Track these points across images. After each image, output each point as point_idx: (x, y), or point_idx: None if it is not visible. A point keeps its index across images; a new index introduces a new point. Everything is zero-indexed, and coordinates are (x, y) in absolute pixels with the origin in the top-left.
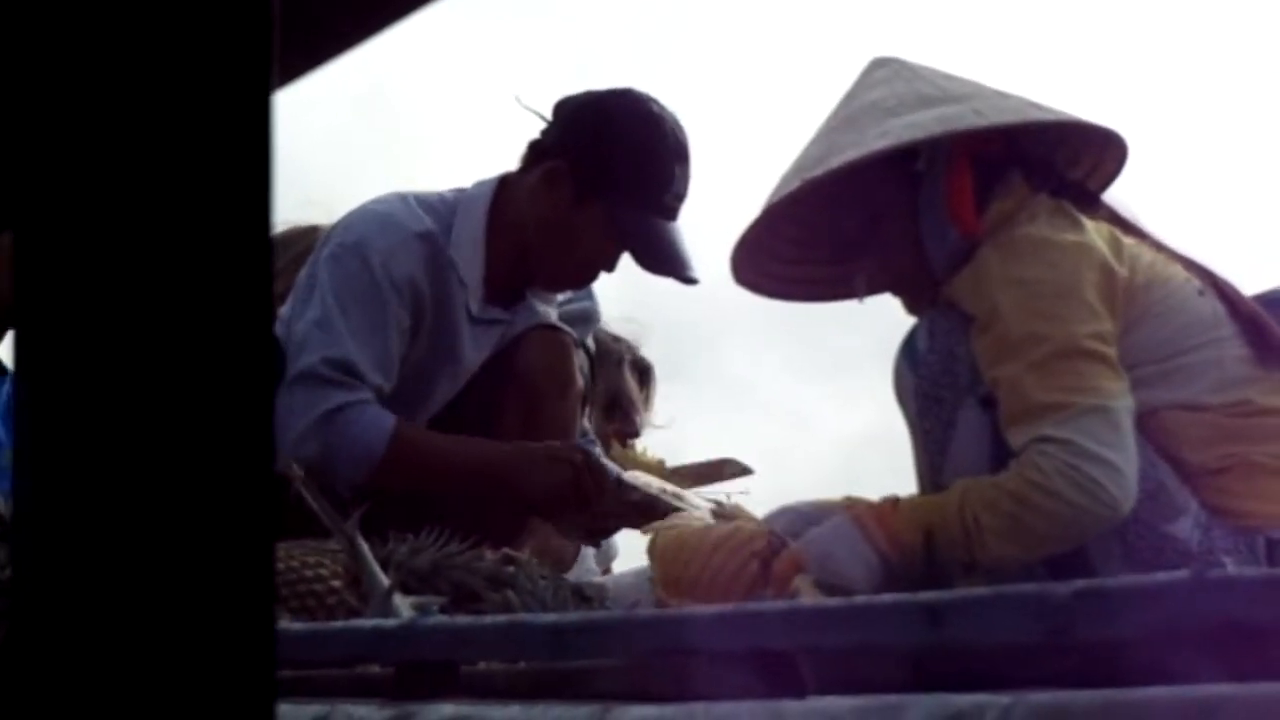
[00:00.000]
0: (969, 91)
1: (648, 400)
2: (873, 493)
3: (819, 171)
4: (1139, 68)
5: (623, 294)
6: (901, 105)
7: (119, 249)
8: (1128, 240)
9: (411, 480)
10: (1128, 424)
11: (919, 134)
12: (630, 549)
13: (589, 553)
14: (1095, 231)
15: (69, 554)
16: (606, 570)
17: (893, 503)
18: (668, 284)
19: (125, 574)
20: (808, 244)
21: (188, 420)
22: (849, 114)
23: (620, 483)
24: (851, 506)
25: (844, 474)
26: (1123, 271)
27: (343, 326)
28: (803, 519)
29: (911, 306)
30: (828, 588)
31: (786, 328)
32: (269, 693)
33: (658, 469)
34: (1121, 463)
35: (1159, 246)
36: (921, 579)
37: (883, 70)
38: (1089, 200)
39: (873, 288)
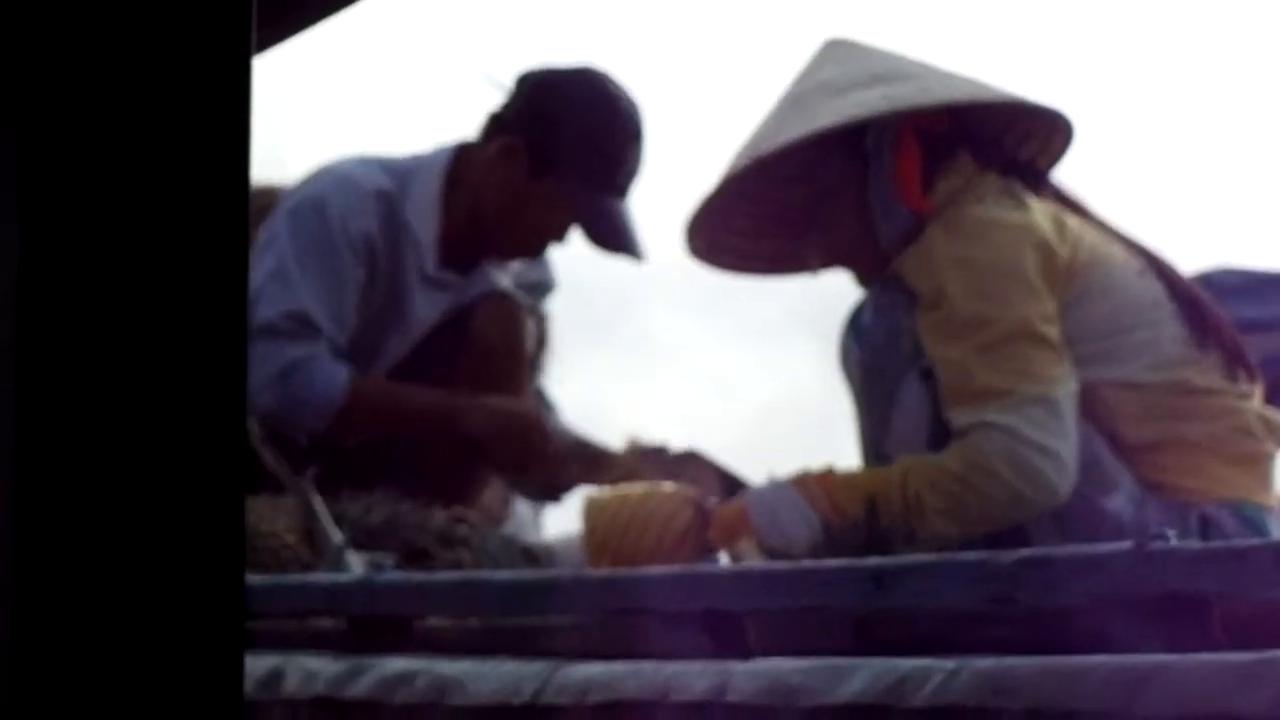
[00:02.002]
0: (917, 71)
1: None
2: (792, 461)
3: (768, 149)
4: (1089, 49)
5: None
6: (850, 84)
7: (97, 211)
8: (1071, 220)
9: (370, 428)
10: (1070, 411)
11: (865, 111)
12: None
13: (519, 504)
14: (1040, 211)
15: (40, 508)
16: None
17: (833, 472)
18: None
19: (98, 535)
20: (763, 220)
21: (161, 377)
22: (799, 93)
23: (578, 443)
24: (799, 480)
25: (763, 441)
26: (1064, 251)
27: (300, 280)
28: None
29: (863, 281)
30: (769, 552)
31: (710, 294)
32: (238, 644)
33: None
34: (1063, 451)
35: (1101, 226)
36: (862, 549)
37: (834, 50)
38: (1036, 179)
39: (826, 263)
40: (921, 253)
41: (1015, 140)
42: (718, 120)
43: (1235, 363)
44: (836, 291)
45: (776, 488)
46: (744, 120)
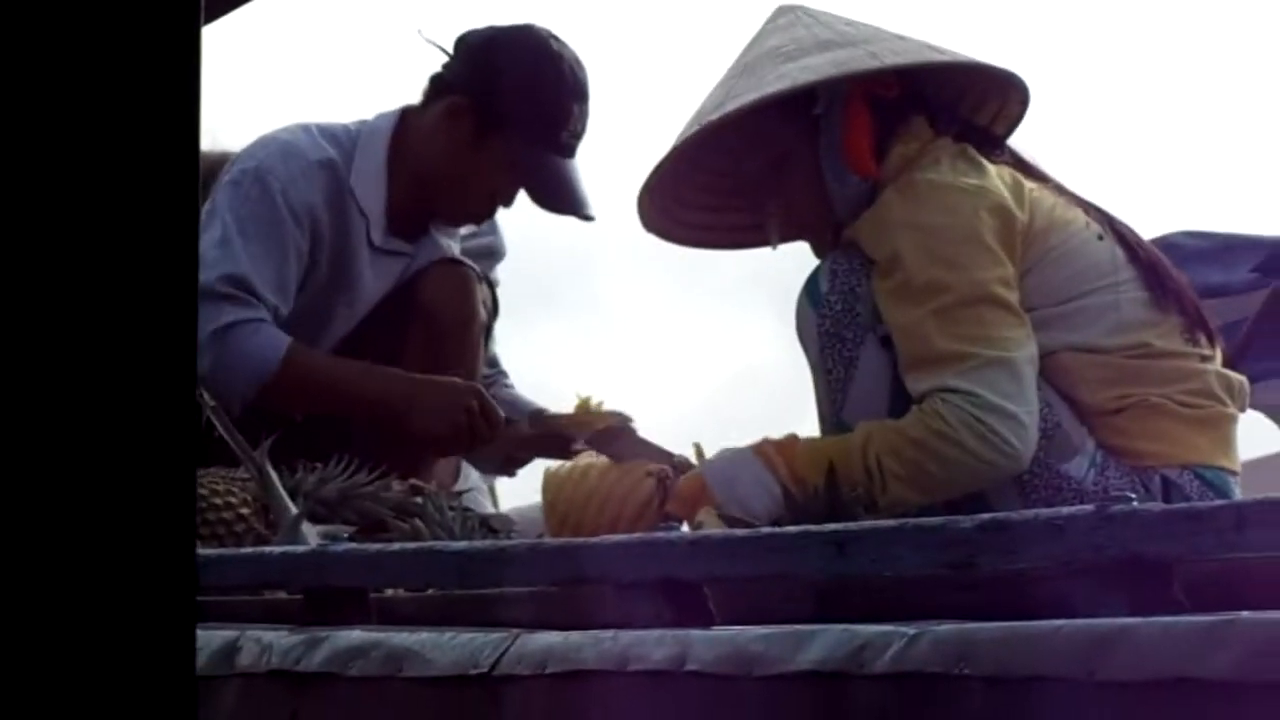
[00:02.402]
0: (867, 35)
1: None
2: (751, 430)
3: (716, 116)
4: (1045, 11)
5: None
6: (799, 50)
7: (47, 177)
8: (1029, 184)
9: (303, 402)
10: (1030, 374)
11: (812, 77)
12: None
13: (471, 472)
14: (997, 176)
15: None
16: (491, 486)
17: (793, 440)
18: (541, 213)
19: (49, 502)
20: (717, 192)
21: (111, 345)
22: (748, 61)
23: (540, 416)
24: (759, 448)
25: (721, 409)
26: (1022, 216)
27: (240, 247)
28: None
29: (819, 250)
30: (729, 521)
31: (664, 259)
32: (189, 617)
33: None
34: (1023, 414)
35: (1060, 190)
36: (821, 516)
37: (784, 18)
38: (992, 144)
39: (782, 234)
40: (876, 218)
41: (970, 105)
42: (668, 84)
43: (1196, 326)
44: (794, 256)
45: (736, 456)
46: (696, 84)
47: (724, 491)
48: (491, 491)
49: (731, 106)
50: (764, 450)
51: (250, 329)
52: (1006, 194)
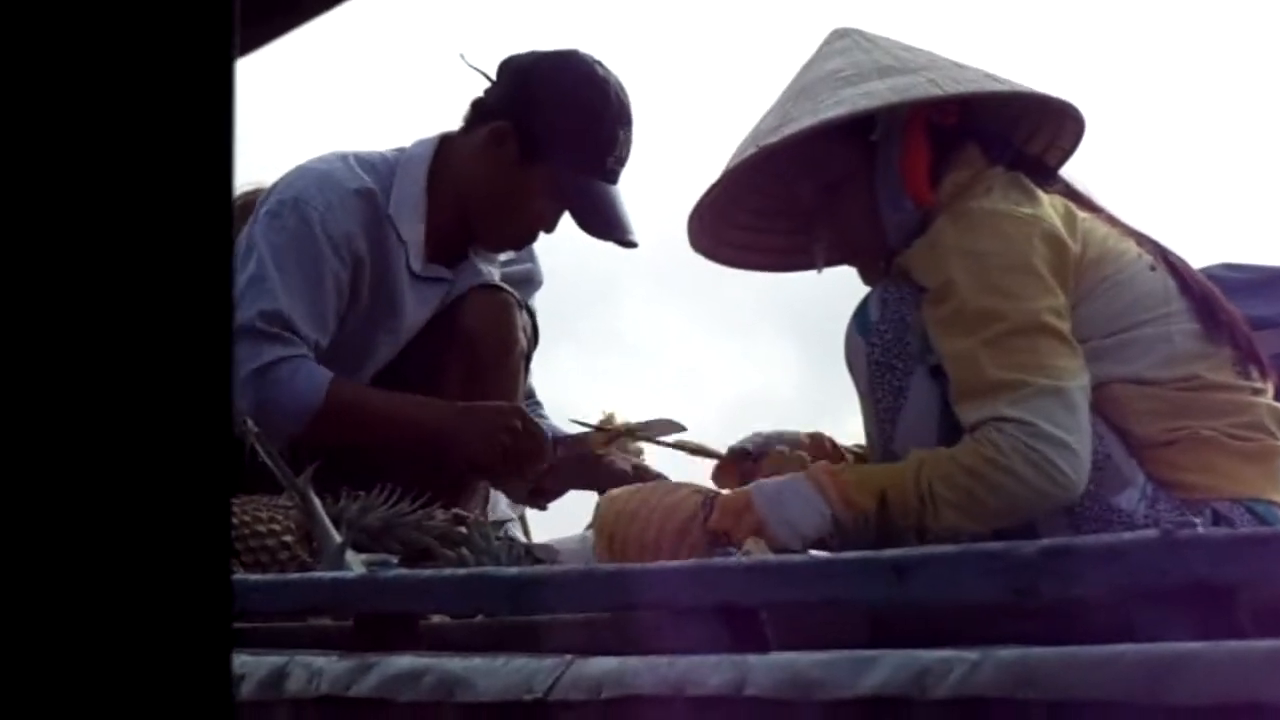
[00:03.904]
0: (925, 63)
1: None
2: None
3: (774, 139)
4: (1099, 46)
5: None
6: (858, 75)
7: (82, 211)
8: (1082, 214)
9: (347, 435)
10: (1083, 404)
11: (874, 103)
12: (573, 510)
13: (500, 502)
14: (1050, 204)
15: (30, 504)
16: (522, 516)
17: (844, 467)
18: (562, 236)
19: (83, 528)
20: (767, 214)
21: (148, 377)
22: (806, 84)
23: (568, 439)
24: (811, 472)
25: (729, 431)
26: (1075, 246)
27: (279, 282)
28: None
29: (867, 276)
30: (773, 544)
31: (681, 286)
32: (226, 642)
33: (631, 451)
34: (1076, 444)
35: (1112, 221)
36: (873, 543)
37: (841, 41)
38: (1045, 174)
39: (830, 258)
40: (929, 246)
41: (1025, 134)
42: (691, 110)
43: (1248, 358)
44: (805, 283)
45: (786, 479)
46: (727, 111)
47: (772, 511)
48: (522, 522)
49: (790, 129)
50: (814, 475)
51: (291, 367)
52: (1059, 223)
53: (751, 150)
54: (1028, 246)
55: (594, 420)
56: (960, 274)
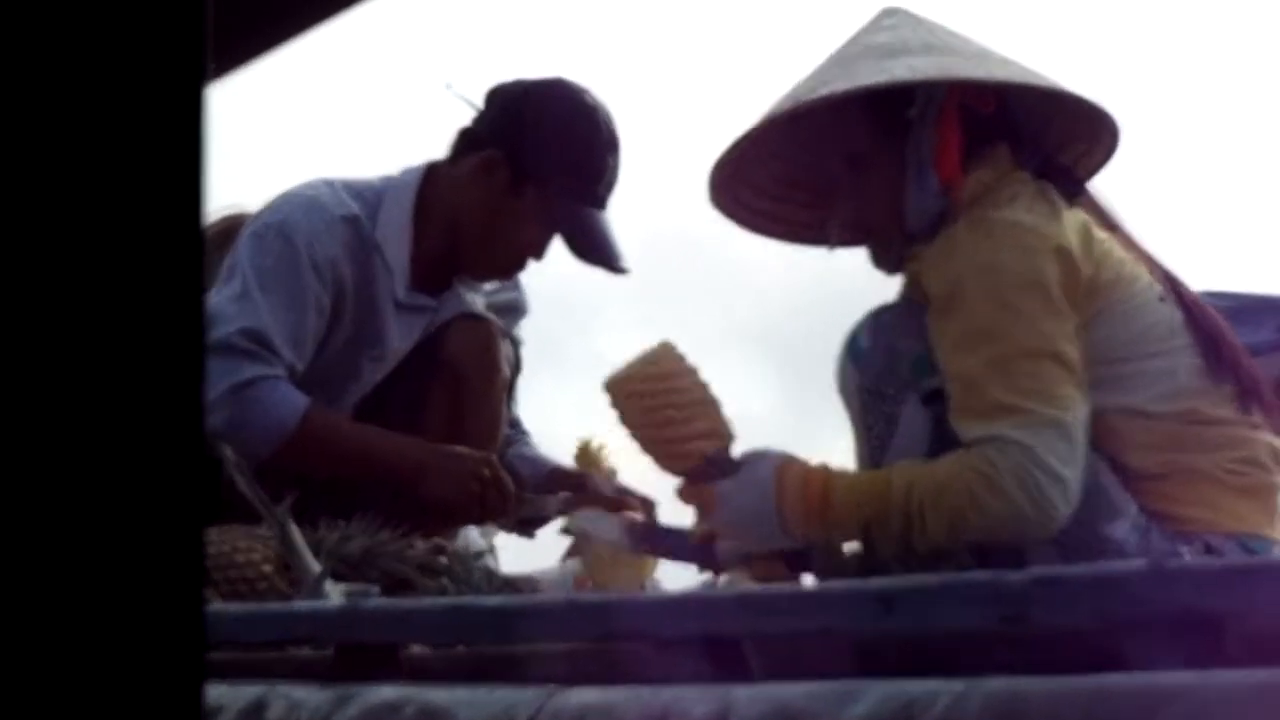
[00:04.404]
0: (973, 51)
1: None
2: None
3: (810, 98)
4: (1125, 63)
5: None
6: (904, 49)
7: (52, 234)
8: (1101, 234)
9: (318, 464)
10: (1081, 437)
11: (915, 76)
12: (549, 542)
13: (470, 532)
14: (1070, 221)
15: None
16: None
17: (824, 478)
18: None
19: (55, 553)
20: (789, 183)
21: (120, 402)
22: (849, 53)
23: (528, 499)
24: (781, 480)
25: None
26: (1088, 267)
27: (261, 301)
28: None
29: (878, 260)
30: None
31: (659, 312)
32: (198, 674)
33: (606, 472)
34: (1071, 478)
35: (1129, 244)
36: (857, 573)
37: (890, 19)
38: (1072, 186)
39: (844, 237)
40: (944, 248)
41: (1057, 141)
42: (668, 134)
43: (1248, 395)
44: (782, 308)
45: (757, 488)
46: (705, 134)
47: (731, 521)
48: (492, 551)
49: (826, 91)
50: (789, 495)
51: (268, 386)
52: (1075, 242)
53: (787, 106)
54: (1043, 264)
55: (571, 448)
56: (971, 285)
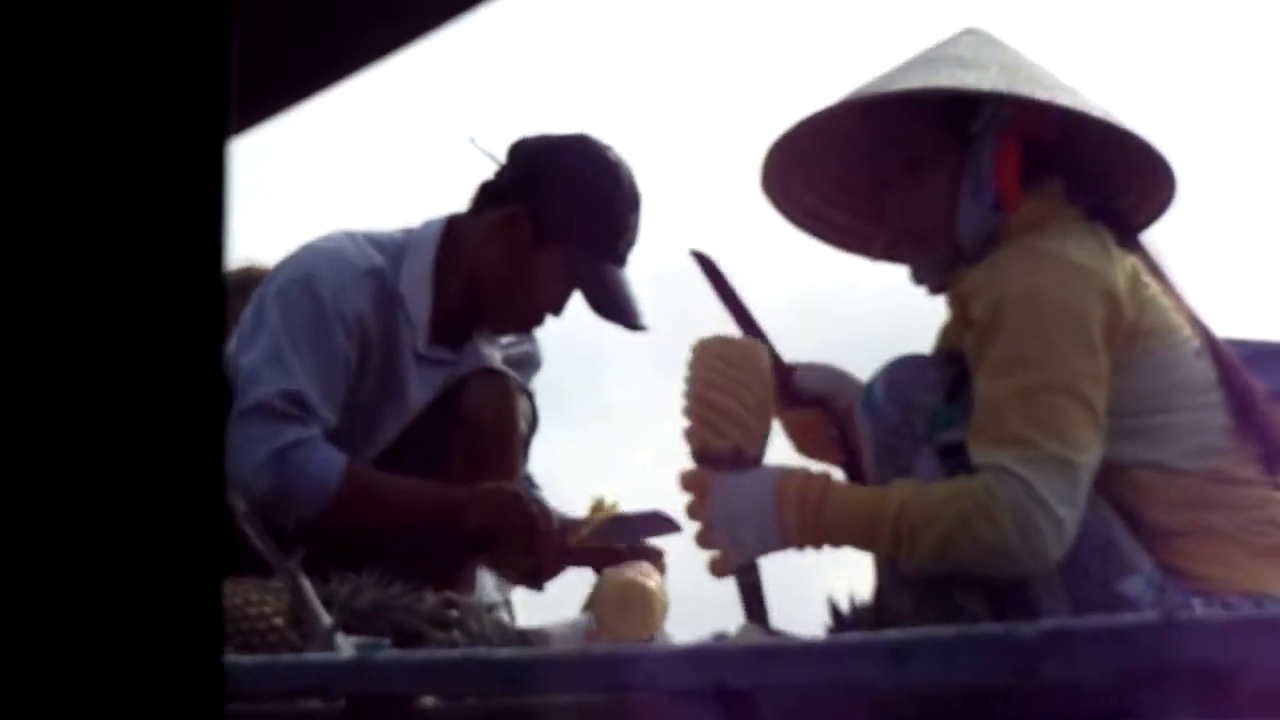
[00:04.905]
0: (1047, 79)
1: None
2: None
3: (875, 93)
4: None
5: None
6: (977, 63)
7: (76, 283)
8: (1148, 280)
9: (363, 517)
10: (1086, 481)
11: (984, 85)
12: (560, 595)
13: (487, 581)
14: (1118, 263)
15: (20, 580)
16: (506, 599)
17: (823, 488)
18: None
19: (76, 602)
20: (842, 186)
21: (140, 455)
22: (924, 59)
23: (564, 523)
24: (783, 485)
25: None
26: (1131, 311)
27: (294, 360)
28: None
29: (919, 276)
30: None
31: (665, 362)
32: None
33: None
34: (1069, 520)
35: (1173, 297)
36: (871, 625)
37: (970, 36)
38: (1125, 232)
39: (891, 244)
40: (989, 270)
41: (1114, 188)
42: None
43: (1274, 457)
44: (796, 354)
45: (755, 494)
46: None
47: (723, 524)
48: (508, 606)
49: (894, 88)
50: (785, 495)
51: (309, 448)
52: (1122, 285)
53: (850, 96)
54: (1087, 302)
55: (583, 506)
56: (1011, 311)
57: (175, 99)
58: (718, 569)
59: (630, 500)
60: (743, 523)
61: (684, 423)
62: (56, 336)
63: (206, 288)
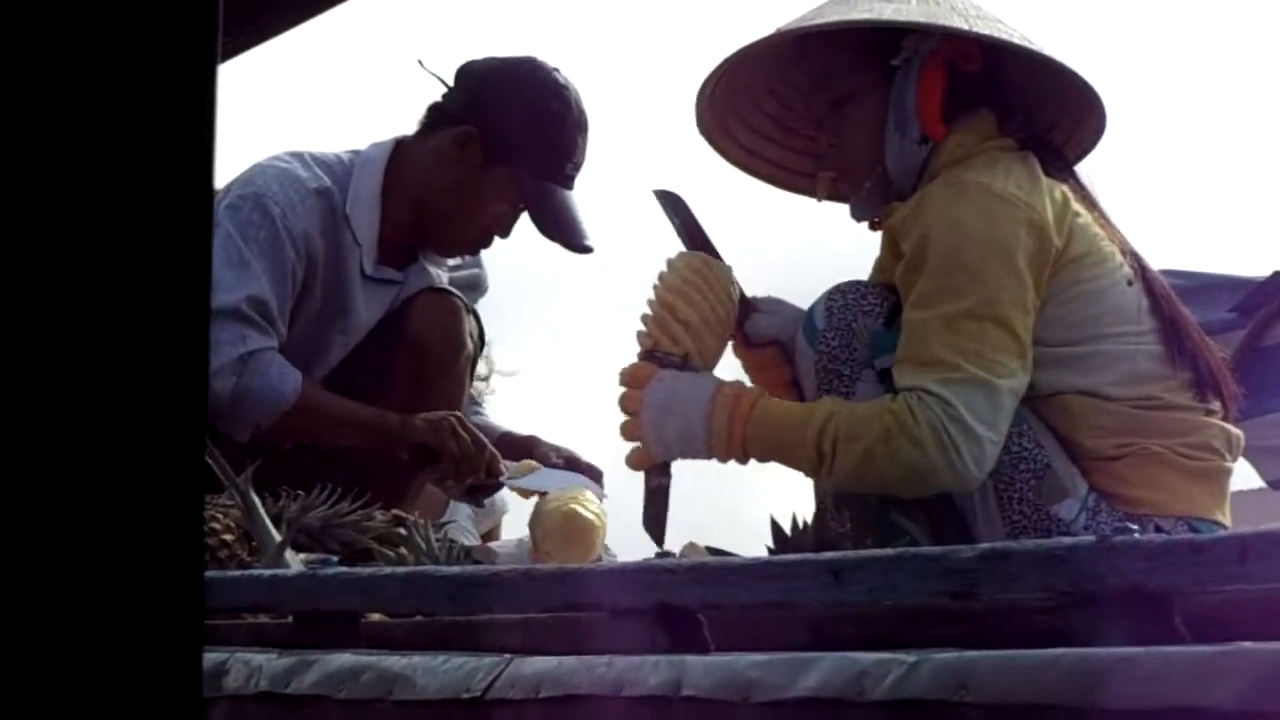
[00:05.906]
0: (970, 11)
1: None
2: (702, 468)
3: (795, 28)
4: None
5: None
6: None
7: (64, 209)
8: (1078, 208)
9: (309, 432)
10: (1009, 404)
11: (901, 18)
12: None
13: (461, 510)
14: (1047, 194)
15: None
16: (496, 526)
17: (757, 396)
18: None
19: (56, 528)
20: (781, 124)
21: (120, 379)
22: None
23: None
24: (722, 389)
25: None
26: (1058, 241)
27: (258, 270)
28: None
29: (856, 210)
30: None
31: (616, 290)
32: (197, 639)
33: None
34: (988, 440)
35: (1105, 226)
36: (811, 547)
37: None
38: (1058, 162)
39: (832, 189)
40: (917, 205)
41: (1047, 122)
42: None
43: (1205, 384)
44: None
45: (692, 398)
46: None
47: (653, 421)
48: (476, 526)
49: (813, 23)
50: (718, 402)
51: (269, 357)
52: (1050, 215)
53: (770, 34)
54: (1011, 232)
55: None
56: (938, 244)
57: (163, 29)
58: (634, 461)
59: (572, 422)
60: (672, 417)
61: (640, 326)
62: (45, 258)
63: (194, 211)
